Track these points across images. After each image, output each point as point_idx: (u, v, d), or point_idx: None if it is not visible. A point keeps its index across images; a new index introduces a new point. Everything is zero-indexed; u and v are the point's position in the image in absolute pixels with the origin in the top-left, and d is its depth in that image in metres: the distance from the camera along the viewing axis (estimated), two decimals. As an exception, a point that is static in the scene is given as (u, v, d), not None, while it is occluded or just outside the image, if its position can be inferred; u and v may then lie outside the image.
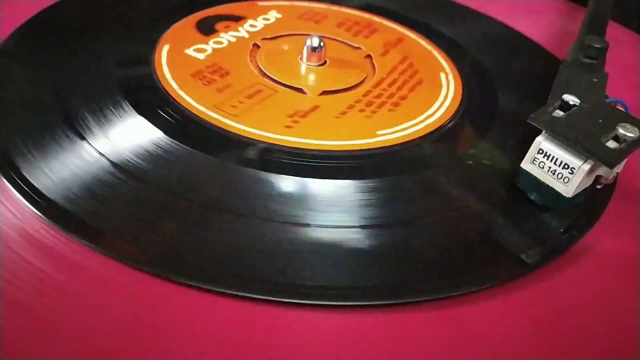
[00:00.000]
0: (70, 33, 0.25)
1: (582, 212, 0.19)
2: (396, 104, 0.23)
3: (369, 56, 0.27)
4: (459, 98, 0.24)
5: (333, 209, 0.18)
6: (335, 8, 0.31)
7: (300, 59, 0.25)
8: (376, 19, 0.30)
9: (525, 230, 0.18)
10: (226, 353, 0.13)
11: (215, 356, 0.13)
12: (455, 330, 0.15)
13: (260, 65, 0.25)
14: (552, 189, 0.18)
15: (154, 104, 0.21)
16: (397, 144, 0.21)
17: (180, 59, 0.24)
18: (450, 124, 0.23)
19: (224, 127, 0.20)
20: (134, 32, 0.26)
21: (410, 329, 0.15)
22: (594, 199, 0.20)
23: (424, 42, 0.29)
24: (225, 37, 0.26)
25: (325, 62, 0.25)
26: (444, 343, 0.14)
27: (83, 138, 0.19)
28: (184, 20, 0.27)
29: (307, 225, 0.17)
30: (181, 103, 0.21)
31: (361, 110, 0.22)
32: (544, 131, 0.18)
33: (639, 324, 0.16)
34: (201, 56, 0.24)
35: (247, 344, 0.13)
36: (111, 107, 0.20)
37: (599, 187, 0.19)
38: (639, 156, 0.19)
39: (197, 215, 0.17)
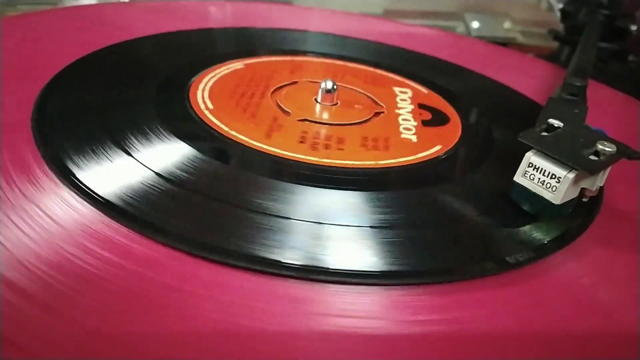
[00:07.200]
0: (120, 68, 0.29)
1: (571, 223, 0.21)
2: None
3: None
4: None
5: (350, 214, 0.20)
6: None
7: (316, 99, 0.28)
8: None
9: (514, 236, 0.20)
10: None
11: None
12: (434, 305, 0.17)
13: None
14: (542, 198, 0.20)
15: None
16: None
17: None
18: (455, 151, 0.26)
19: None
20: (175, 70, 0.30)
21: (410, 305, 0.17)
22: (581, 212, 0.22)
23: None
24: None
25: (337, 103, 0.29)
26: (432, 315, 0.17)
27: (128, 154, 0.21)
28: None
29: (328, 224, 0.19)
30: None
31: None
32: (533, 147, 0.21)
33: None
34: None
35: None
36: (149, 130, 0.23)
37: (584, 199, 0.21)
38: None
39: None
